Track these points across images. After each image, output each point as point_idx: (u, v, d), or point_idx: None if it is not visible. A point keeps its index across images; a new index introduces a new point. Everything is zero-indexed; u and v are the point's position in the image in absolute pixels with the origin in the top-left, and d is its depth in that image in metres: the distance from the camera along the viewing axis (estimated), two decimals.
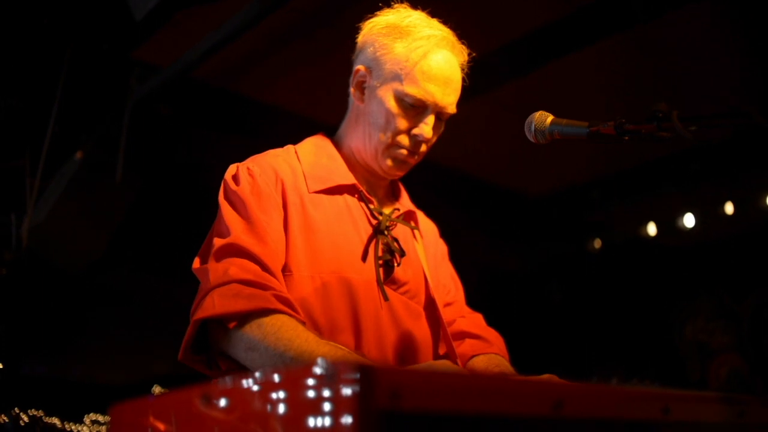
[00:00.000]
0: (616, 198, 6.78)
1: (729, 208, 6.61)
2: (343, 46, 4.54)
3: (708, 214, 6.78)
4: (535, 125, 1.79)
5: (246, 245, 1.81)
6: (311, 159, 2.09)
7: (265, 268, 1.79)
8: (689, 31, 4.55)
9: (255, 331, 1.68)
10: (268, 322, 1.68)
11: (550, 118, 1.79)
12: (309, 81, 5.20)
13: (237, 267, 1.77)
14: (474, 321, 2.26)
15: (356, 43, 2.16)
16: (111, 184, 5.00)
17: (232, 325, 1.70)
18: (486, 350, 2.15)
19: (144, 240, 6.05)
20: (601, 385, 1.19)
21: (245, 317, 1.70)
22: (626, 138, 1.57)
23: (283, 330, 1.67)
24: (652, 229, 7.14)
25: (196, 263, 1.90)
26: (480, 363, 2.11)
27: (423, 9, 2.12)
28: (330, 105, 5.25)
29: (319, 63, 4.95)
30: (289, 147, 2.15)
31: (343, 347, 1.72)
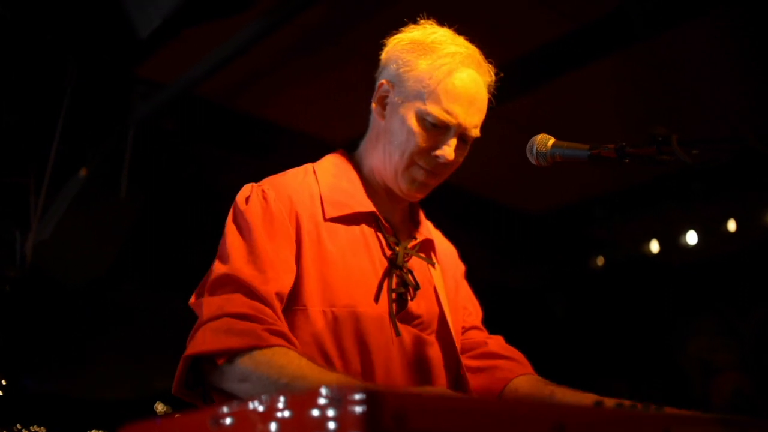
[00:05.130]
0: (619, 215, 6.79)
1: (731, 225, 6.62)
2: (346, 63, 4.61)
3: (710, 232, 6.78)
4: (536, 148, 1.80)
5: (244, 276, 1.78)
6: (330, 181, 2.04)
7: (261, 299, 1.76)
8: (696, 46, 4.58)
9: (247, 362, 1.66)
10: (259, 353, 1.66)
11: (551, 140, 1.79)
12: (314, 98, 5.22)
13: (232, 301, 1.74)
14: (500, 342, 2.25)
15: (379, 59, 2.11)
16: (115, 200, 5.01)
17: (221, 361, 1.68)
18: (522, 371, 2.14)
19: (148, 256, 6.06)
20: (601, 408, 1.20)
21: (235, 354, 1.67)
22: (627, 161, 1.58)
23: (276, 358, 1.65)
24: (654, 246, 7.15)
25: (193, 298, 1.88)
26: (526, 384, 2.09)
27: (433, 23, 2.08)
28: (334, 122, 5.31)
29: (324, 80, 4.97)
30: (308, 166, 2.10)
31: (336, 372, 1.70)
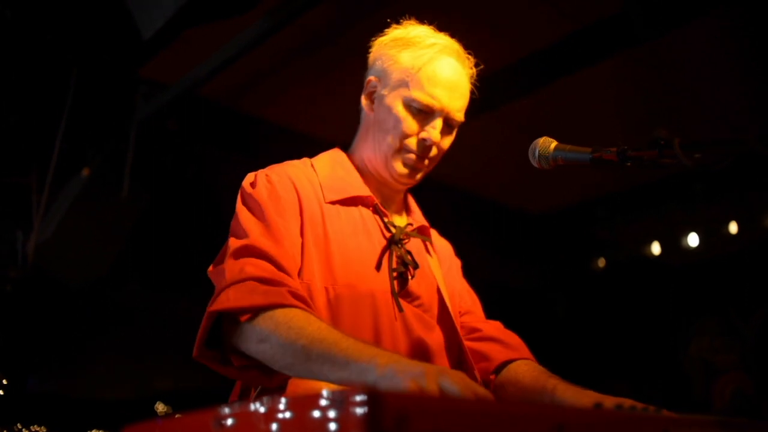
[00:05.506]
0: (621, 216, 6.80)
1: (733, 227, 6.63)
2: (346, 63, 4.62)
3: (712, 234, 6.79)
4: (539, 151, 1.82)
5: (263, 246, 1.83)
6: (327, 171, 2.12)
7: (281, 268, 1.81)
8: (697, 46, 4.59)
9: (267, 322, 1.69)
10: (280, 314, 1.69)
11: (553, 143, 1.81)
12: (315, 99, 5.24)
13: (253, 266, 1.79)
14: (497, 326, 2.29)
15: (367, 60, 2.20)
16: (117, 200, 5.03)
17: (244, 318, 1.71)
18: (516, 355, 2.17)
19: (149, 256, 6.07)
20: (600, 410, 1.20)
21: (258, 311, 1.71)
22: (629, 164, 1.59)
23: (296, 320, 1.68)
24: (656, 248, 7.16)
25: (211, 267, 1.93)
26: (528, 374, 2.11)
27: (430, 23, 2.16)
28: (335, 122, 5.30)
29: (325, 81, 4.98)
30: (305, 160, 2.18)
31: (353, 337, 1.69)
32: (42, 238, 5.00)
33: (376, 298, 1.94)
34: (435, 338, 2.04)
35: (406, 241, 2.11)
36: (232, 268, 1.81)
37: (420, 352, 1.98)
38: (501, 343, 2.21)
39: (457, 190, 6.36)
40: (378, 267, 2.00)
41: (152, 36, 4.18)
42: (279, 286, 1.75)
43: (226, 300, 1.74)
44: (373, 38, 2.19)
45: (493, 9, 4.30)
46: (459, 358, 2.11)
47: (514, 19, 4.45)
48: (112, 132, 5.21)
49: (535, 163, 1.85)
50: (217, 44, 4.53)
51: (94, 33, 4.67)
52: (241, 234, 1.89)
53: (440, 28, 2.16)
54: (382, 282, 1.98)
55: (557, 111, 5.19)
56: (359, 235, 2.02)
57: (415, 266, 2.06)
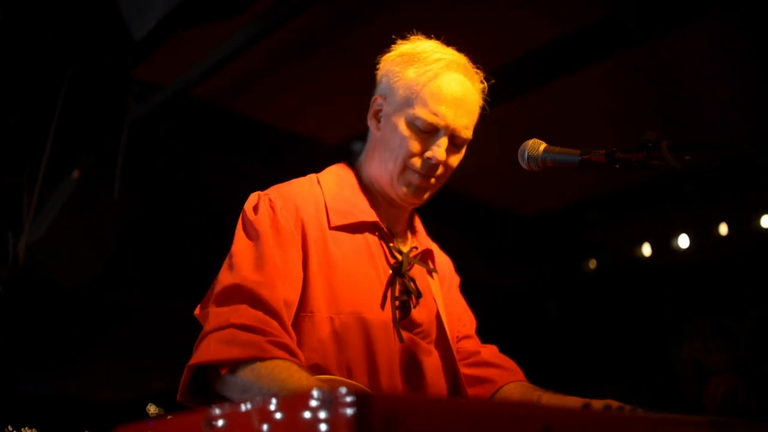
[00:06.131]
0: (611, 218, 6.81)
1: (723, 229, 6.66)
2: (341, 65, 4.61)
3: (702, 235, 6.81)
4: (528, 153, 1.82)
5: (251, 285, 1.81)
6: (334, 190, 2.09)
7: (268, 309, 1.79)
8: (696, 46, 4.59)
9: (248, 374, 1.68)
10: (261, 366, 1.69)
11: (543, 146, 1.81)
12: (309, 100, 5.23)
13: (238, 312, 1.77)
14: (494, 351, 2.30)
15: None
16: (108, 202, 5.01)
17: (224, 371, 1.70)
18: (512, 378, 2.20)
19: (142, 258, 6.05)
20: (589, 411, 1.20)
21: (238, 364, 1.70)
22: (617, 166, 1.60)
23: (277, 371, 1.67)
24: (646, 249, 7.18)
25: (198, 309, 1.92)
26: (516, 390, 2.15)
27: (425, 33, 2.14)
28: (329, 124, 5.31)
29: (318, 82, 4.97)
30: (312, 176, 2.15)
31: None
32: (33, 239, 4.99)
33: (379, 328, 1.94)
34: (433, 364, 2.04)
35: (410, 267, 2.09)
36: (216, 314, 1.79)
37: (419, 380, 1.99)
38: (499, 368, 2.22)
39: (450, 192, 6.35)
40: (383, 296, 1.98)
41: (145, 37, 4.17)
42: (260, 334, 1.73)
43: (206, 352, 1.72)
44: (381, 55, 2.16)
45: (487, 11, 4.30)
46: (455, 383, 2.12)
47: (508, 21, 4.45)
48: (104, 133, 5.20)
49: (524, 165, 1.85)
50: (210, 46, 4.53)
51: (87, 34, 4.66)
52: (233, 266, 1.87)
53: (434, 30, 2.14)
54: (385, 311, 1.97)
55: (554, 112, 5.20)
56: (364, 263, 2.01)
57: (419, 295, 2.05)
